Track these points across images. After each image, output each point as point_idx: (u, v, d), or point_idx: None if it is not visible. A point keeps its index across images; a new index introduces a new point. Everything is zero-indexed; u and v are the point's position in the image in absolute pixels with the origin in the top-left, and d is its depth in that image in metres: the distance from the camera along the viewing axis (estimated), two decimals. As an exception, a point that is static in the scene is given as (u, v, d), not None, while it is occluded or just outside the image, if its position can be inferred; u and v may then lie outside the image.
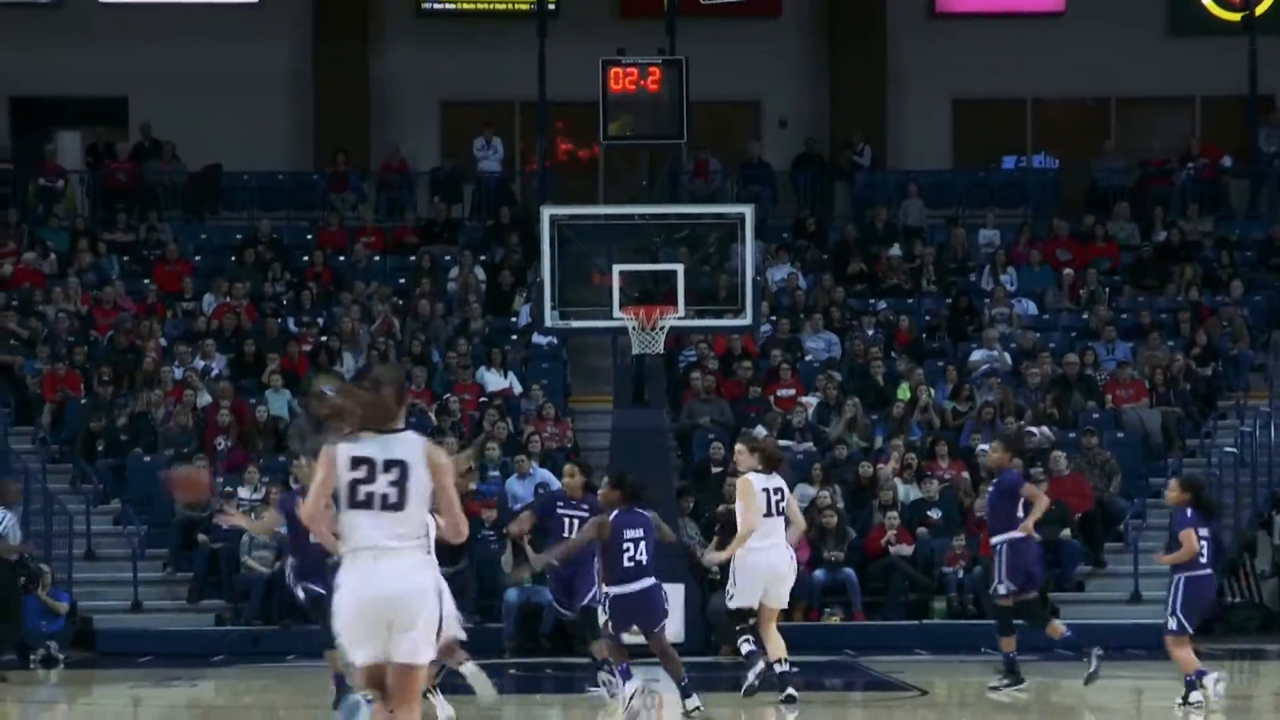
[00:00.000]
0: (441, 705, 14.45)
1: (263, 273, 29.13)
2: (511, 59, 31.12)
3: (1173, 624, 15.44)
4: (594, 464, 24.74)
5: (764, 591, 16.01)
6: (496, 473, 24.28)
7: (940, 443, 24.90)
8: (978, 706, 17.04)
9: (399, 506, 8.96)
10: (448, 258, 29.72)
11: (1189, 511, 15.56)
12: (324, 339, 27.46)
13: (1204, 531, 15.45)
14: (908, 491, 24.22)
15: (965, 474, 24.34)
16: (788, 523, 16.10)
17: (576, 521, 16.14)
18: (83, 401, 26.06)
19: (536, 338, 27.49)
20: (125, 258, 29.76)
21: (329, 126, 32.70)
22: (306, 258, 29.74)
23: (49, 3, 33.07)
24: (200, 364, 26.61)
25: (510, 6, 32.95)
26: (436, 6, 33.33)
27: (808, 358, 27.47)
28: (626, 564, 14.71)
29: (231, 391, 25.78)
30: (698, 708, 15.12)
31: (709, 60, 28.44)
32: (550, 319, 23.20)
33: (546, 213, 23.20)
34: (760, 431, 24.81)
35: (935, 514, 23.95)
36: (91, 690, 19.02)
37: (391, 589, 8.91)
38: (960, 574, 23.30)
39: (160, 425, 25.48)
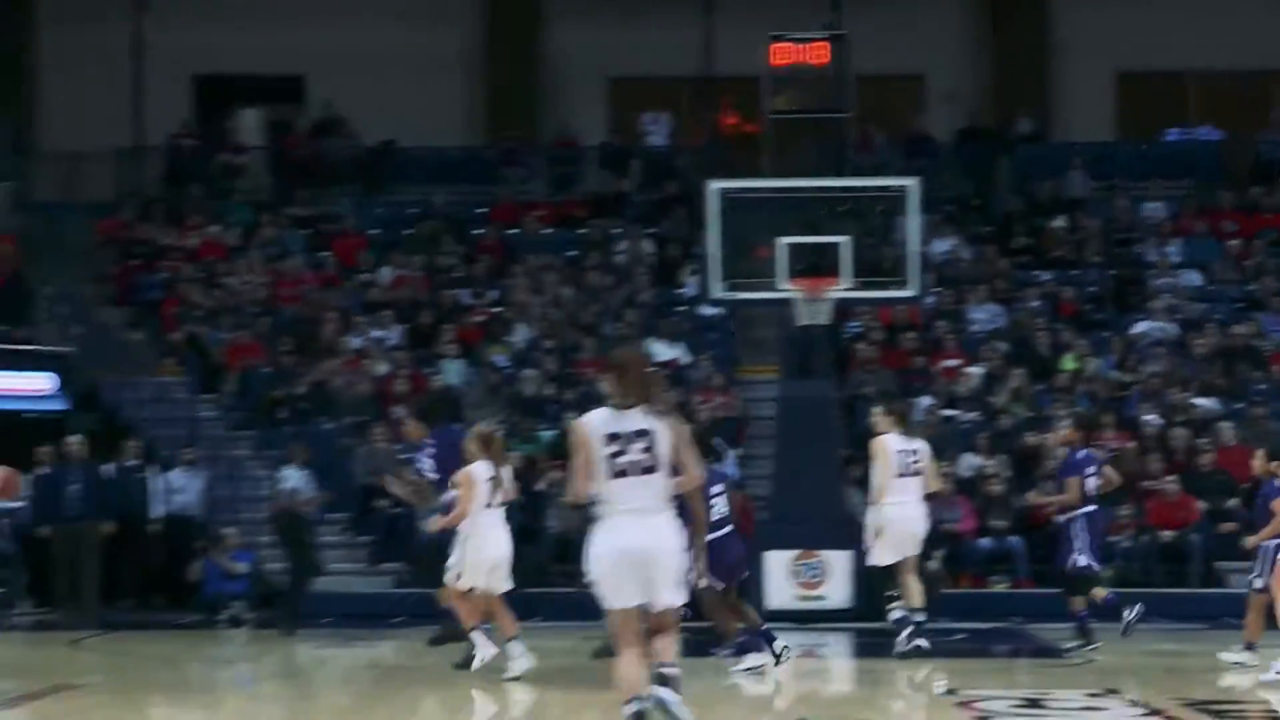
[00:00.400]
0: (482, 645, 15.20)
1: (437, 246, 29.35)
2: (679, 35, 31.14)
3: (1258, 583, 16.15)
4: (763, 433, 24.89)
5: (901, 547, 16.61)
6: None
7: (1106, 413, 24.63)
8: (1143, 672, 16.88)
9: (652, 470, 10.10)
10: (616, 231, 29.80)
11: (1276, 482, 15.88)
12: (497, 310, 27.64)
13: None
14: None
15: (1131, 444, 24.07)
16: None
17: None
18: (265, 371, 26.42)
19: (704, 309, 27.49)
20: (305, 231, 30.10)
21: (501, 103, 32.89)
22: (479, 231, 29.93)
23: (231, -16, 33.48)
24: (377, 334, 26.88)
25: (678, -17, 32.90)
26: (606, -16, 33.37)
27: (972, 329, 27.28)
28: (714, 517, 14.87)
29: (408, 361, 26.02)
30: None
31: (874, 35, 28.27)
32: (717, 291, 23.21)
33: (713, 186, 23.19)
34: (926, 401, 24.73)
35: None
36: (275, 650, 19.29)
37: (651, 545, 10.07)
38: (1127, 543, 23.06)
39: (339, 394, 25.78)
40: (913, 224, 22.84)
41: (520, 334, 27.21)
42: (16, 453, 19.66)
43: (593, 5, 33.31)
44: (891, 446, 16.64)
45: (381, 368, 26.14)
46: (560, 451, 23.99)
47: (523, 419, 24.73)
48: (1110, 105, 33.26)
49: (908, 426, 16.97)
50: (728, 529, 15.41)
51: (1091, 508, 17.70)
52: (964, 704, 13.61)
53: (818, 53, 25.99)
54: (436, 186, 31.00)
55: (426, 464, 16.08)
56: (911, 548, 16.86)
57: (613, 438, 10.14)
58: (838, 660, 18.25)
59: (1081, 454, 17.91)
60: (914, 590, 16.91)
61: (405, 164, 32.02)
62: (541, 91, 33.21)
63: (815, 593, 20.79)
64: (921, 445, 16.96)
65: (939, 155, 31.77)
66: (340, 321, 27.20)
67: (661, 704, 10.06)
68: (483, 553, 15.22)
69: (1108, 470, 18.07)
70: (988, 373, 25.73)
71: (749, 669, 15.49)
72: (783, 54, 25.90)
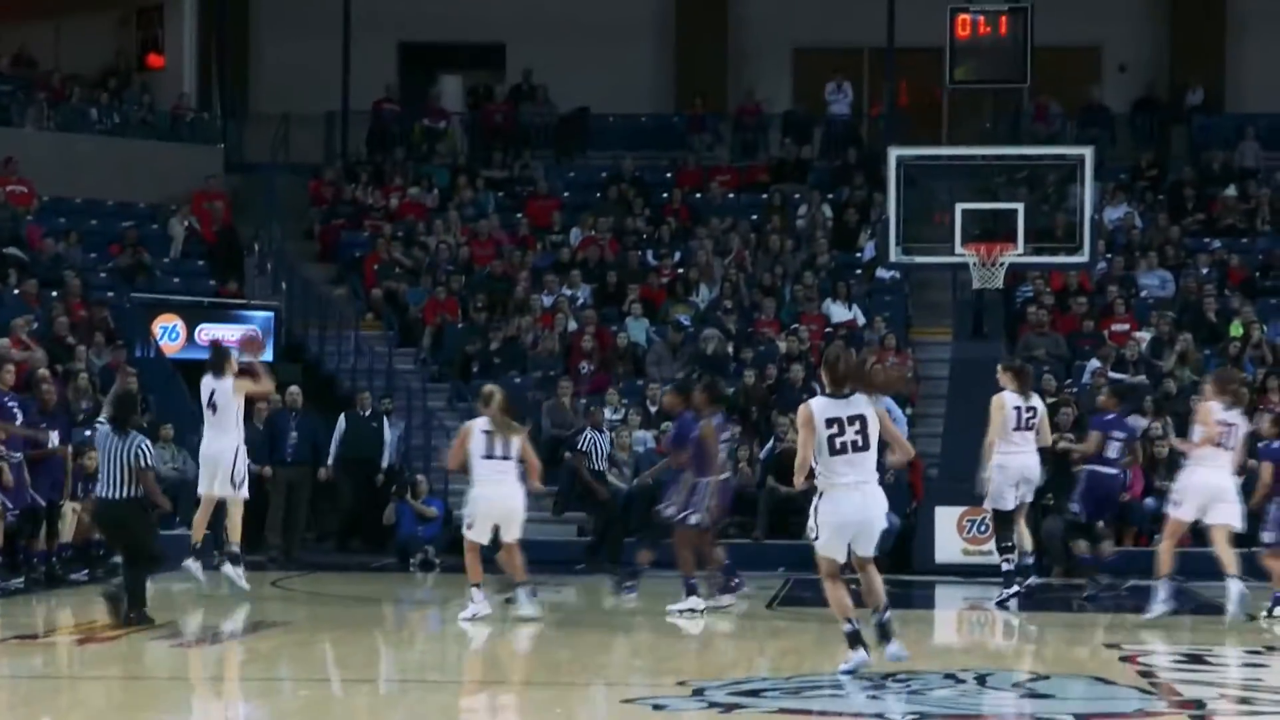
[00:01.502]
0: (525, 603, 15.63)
1: (625, 209, 29.36)
2: (862, 7, 30.80)
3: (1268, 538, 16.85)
4: (935, 393, 24.65)
5: (1017, 491, 17.30)
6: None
7: (1272, 378, 24.10)
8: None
9: (865, 449, 11.69)
10: (797, 196, 29.62)
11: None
12: (680, 271, 27.60)
13: None
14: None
15: (1295, 409, 23.55)
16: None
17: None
18: (460, 326, 26.59)
19: (880, 272, 27.27)
20: (500, 193, 30.24)
21: (688, 71, 32.81)
22: (666, 195, 29.90)
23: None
24: (567, 293, 26.95)
25: (862, -44, 32.60)
26: (792, -43, 33.15)
27: (1142, 294, 26.82)
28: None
29: (595, 319, 26.07)
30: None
31: (1052, 7, 27.85)
32: (894, 254, 23.06)
33: (893, 153, 23.01)
34: (1094, 364, 24.35)
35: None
36: (463, 592, 19.40)
37: (866, 513, 11.81)
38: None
39: (529, 349, 25.88)
40: (1086, 192, 22.50)
41: (703, 294, 27.14)
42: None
43: (779, -24, 33.10)
44: (1009, 402, 17.31)
45: (570, 325, 26.20)
46: (737, 408, 23.93)
47: (704, 375, 24.63)
48: (1285, 76, 32.48)
49: (1025, 384, 17.54)
50: (726, 474, 16.63)
51: (1102, 468, 18.10)
52: (1128, 659, 13.41)
53: (998, 24, 25.69)
54: (626, 152, 30.99)
55: None
56: (1026, 494, 17.46)
57: (831, 422, 11.63)
58: (1002, 613, 18.01)
59: (1110, 417, 18.22)
60: (1025, 536, 17.60)
61: (597, 130, 32.07)
62: (728, 61, 33.07)
63: (981, 548, 20.54)
64: (1038, 403, 17.58)
65: (1113, 125, 31.25)
66: (531, 280, 27.30)
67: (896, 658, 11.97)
68: (478, 504, 15.69)
69: (1135, 446, 18.84)
70: (1156, 338, 25.28)
71: (691, 610, 16.06)
72: (964, 25, 25.62)
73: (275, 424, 22.64)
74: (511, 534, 15.78)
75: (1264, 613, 16.47)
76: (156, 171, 29.45)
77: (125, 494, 14.64)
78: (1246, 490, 16.98)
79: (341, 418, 23.59)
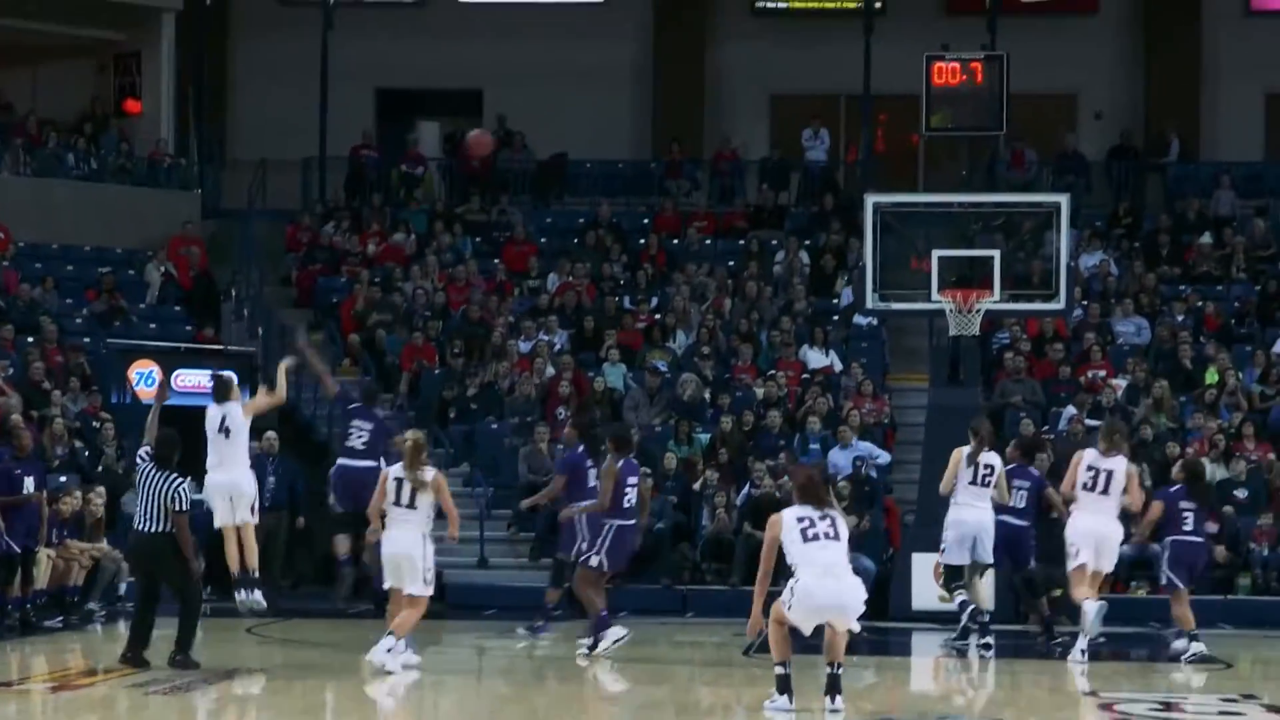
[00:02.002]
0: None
1: (603, 254, 29.38)
2: (839, 54, 31.00)
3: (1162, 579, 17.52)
4: (912, 439, 24.68)
5: (965, 548, 18.12)
6: (817, 445, 24.15)
7: (1248, 424, 24.19)
8: (1281, 682, 16.55)
9: (837, 539, 12.24)
10: (774, 242, 29.69)
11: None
12: (658, 317, 27.62)
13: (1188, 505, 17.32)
14: (1215, 471, 23.53)
15: (1272, 455, 23.62)
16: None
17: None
18: (436, 372, 26.55)
19: (857, 318, 27.30)
20: (478, 239, 30.24)
21: (666, 118, 32.92)
22: (643, 240, 29.93)
23: (413, 2, 33.77)
24: (545, 338, 26.93)
25: (839, 4, 32.83)
26: (769, 4, 33.39)
27: (1118, 341, 26.88)
28: (625, 505, 16.40)
29: (573, 364, 26.06)
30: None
31: (1028, 55, 28.00)
32: (871, 301, 23.07)
33: (870, 200, 23.07)
34: (1070, 410, 24.39)
35: (1242, 493, 23.29)
36: (441, 639, 19.35)
37: (841, 600, 12.20)
38: (1266, 551, 22.62)
39: (506, 395, 25.86)
40: (1062, 239, 22.56)
41: (680, 340, 27.16)
42: (203, 445, 19.82)
43: (756, 24, 33.26)
44: (963, 458, 18.17)
45: (548, 370, 26.19)
46: (712, 454, 23.95)
47: (681, 421, 24.67)
48: (1259, 126, 32.67)
49: (982, 444, 18.19)
50: (634, 520, 16.64)
51: (1010, 518, 18.42)
52: (1105, 706, 13.39)
53: (975, 72, 25.78)
54: (603, 197, 31.04)
55: None
56: (979, 551, 18.16)
57: (803, 519, 12.22)
58: (978, 661, 18.01)
59: (1012, 467, 18.63)
60: (980, 593, 18.41)
61: (575, 176, 32.13)
62: (705, 107, 33.18)
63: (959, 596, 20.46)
64: (996, 461, 18.24)
65: (1089, 173, 31.39)
66: (509, 326, 27.29)
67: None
68: (383, 549, 15.43)
69: (1049, 493, 18.82)
70: (1131, 384, 25.34)
71: (613, 643, 16.29)
72: (940, 73, 25.72)
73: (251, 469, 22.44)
74: (405, 584, 15.27)
75: (1183, 657, 16.93)
76: (133, 217, 29.44)
77: (159, 529, 14.74)
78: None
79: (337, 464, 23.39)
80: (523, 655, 17.79)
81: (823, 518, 12.25)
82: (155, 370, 25.73)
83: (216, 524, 16.86)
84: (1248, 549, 22.81)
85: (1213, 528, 22.63)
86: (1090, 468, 17.07)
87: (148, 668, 14.43)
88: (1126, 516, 17.77)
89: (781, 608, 12.20)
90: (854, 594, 12.17)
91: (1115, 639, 19.16)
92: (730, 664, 16.46)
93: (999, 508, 18.30)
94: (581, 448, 17.31)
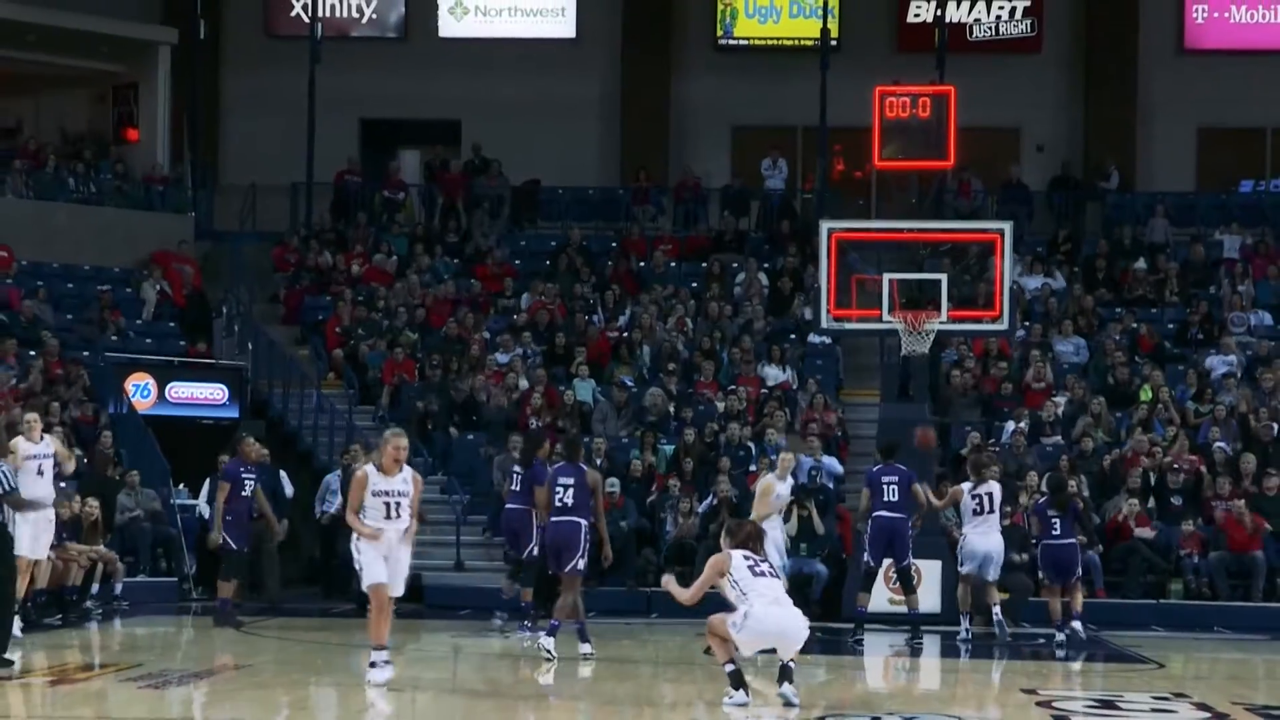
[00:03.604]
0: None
1: (573, 275, 29.42)
2: (796, 88, 31.11)
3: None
4: (864, 451, 24.75)
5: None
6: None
7: (1181, 438, 24.30)
8: (1211, 679, 16.62)
9: (777, 577, 12.63)
10: (735, 264, 29.76)
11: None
12: (625, 334, 27.66)
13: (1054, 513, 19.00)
14: (1152, 479, 23.63)
15: (1203, 468, 23.74)
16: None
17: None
18: (416, 385, 26.54)
19: (813, 337, 27.39)
20: (455, 260, 30.26)
21: (633, 147, 32.99)
22: (611, 263, 29.98)
23: (395, 37, 33.82)
24: (518, 354, 26.94)
25: (796, 41, 32.92)
26: (731, 41, 33.46)
27: (1059, 360, 26.99)
28: (557, 504, 16.36)
29: (545, 379, 26.08)
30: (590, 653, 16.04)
31: (975, 90, 28.15)
32: (826, 321, 23.11)
33: (825, 226, 23.12)
34: (1012, 425, 24.47)
35: (1177, 500, 23.38)
36: (419, 637, 19.36)
37: (785, 626, 12.35)
38: (1195, 558, 22.72)
39: (481, 407, 25.85)
40: (1006, 264, 22.65)
41: (645, 356, 27.20)
42: (195, 454, 19.88)
43: (719, 59, 33.37)
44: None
45: (521, 384, 26.20)
46: (674, 465, 23.98)
47: (646, 433, 24.70)
48: (1191, 158, 32.88)
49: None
50: (565, 517, 16.34)
51: (885, 513, 19.25)
52: (1043, 704, 13.44)
53: (923, 106, 25.88)
54: (574, 222, 31.11)
55: None
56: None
57: (748, 557, 12.44)
58: (925, 660, 18.07)
59: (876, 468, 19.56)
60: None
61: (547, 201, 32.17)
62: (670, 138, 33.27)
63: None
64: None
65: (1032, 202, 31.54)
66: (484, 342, 27.30)
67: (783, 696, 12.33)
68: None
69: (915, 488, 19.52)
70: (1070, 400, 25.45)
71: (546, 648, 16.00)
72: (892, 107, 25.82)
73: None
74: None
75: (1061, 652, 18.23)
76: (130, 238, 29.41)
77: None
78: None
79: (339, 471, 23.39)
80: (495, 654, 17.79)
81: (763, 560, 12.59)
82: (150, 382, 25.73)
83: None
84: (1178, 556, 22.91)
85: (1148, 534, 22.83)
86: (974, 496, 19.02)
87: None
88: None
89: (726, 628, 12.31)
90: (800, 622, 12.39)
91: (1053, 641, 19.25)
92: (692, 662, 16.48)
93: (884, 505, 19.24)
94: (539, 461, 18.23)
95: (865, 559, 19.62)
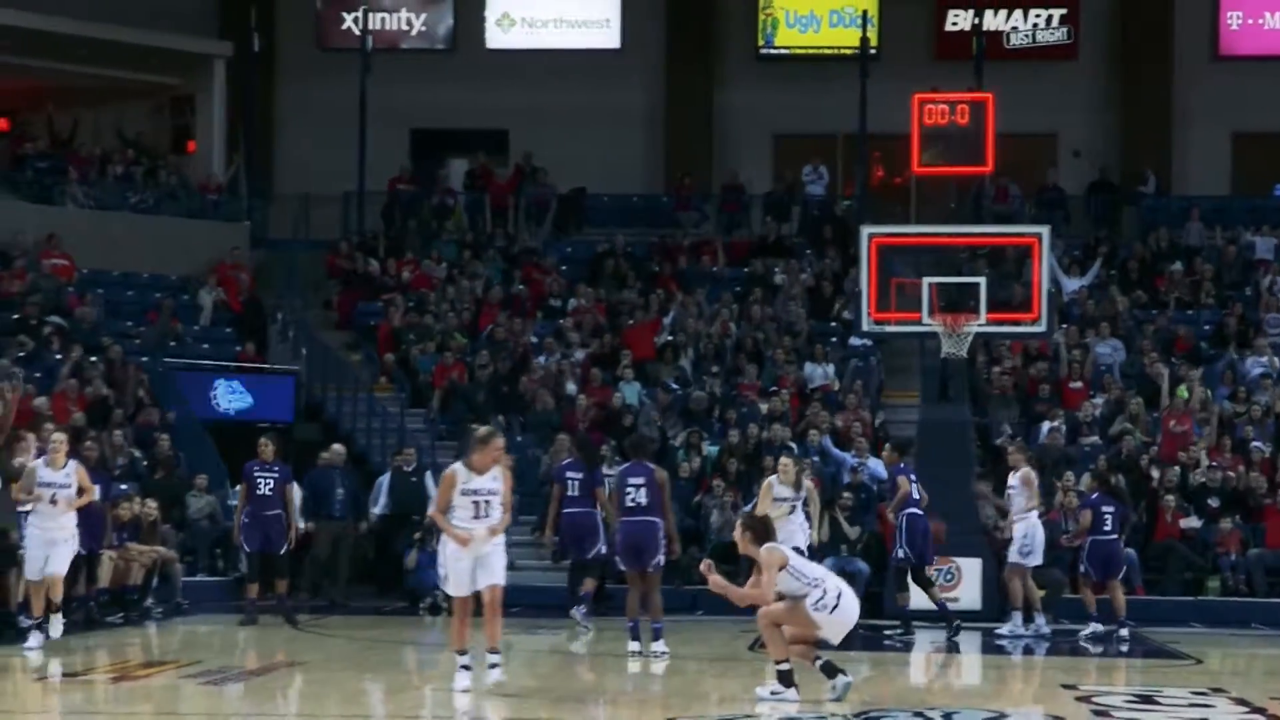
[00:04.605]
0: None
1: (619, 280, 29.44)
2: (836, 96, 31.07)
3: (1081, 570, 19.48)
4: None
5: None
6: (817, 459, 24.15)
7: (1223, 438, 24.16)
8: (1248, 674, 16.52)
9: None
10: (777, 269, 29.71)
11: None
12: (670, 338, 27.64)
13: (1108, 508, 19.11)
14: (1191, 478, 23.51)
15: (1242, 467, 23.60)
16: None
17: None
18: (465, 388, 26.57)
19: (853, 339, 27.33)
20: (504, 266, 30.30)
21: (677, 154, 33.02)
22: (656, 267, 29.98)
23: (444, 49, 33.89)
24: (565, 357, 26.97)
25: (836, 50, 32.86)
26: (772, 51, 33.45)
27: (1096, 362, 26.87)
28: (629, 504, 16.17)
29: (592, 381, 26.10)
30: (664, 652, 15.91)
31: (1012, 97, 28.06)
32: (866, 323, 23.08)
33: (865, 231, 23.10)
34: (1048, 425, 24.35)
35: (1215, 501, 23.25)
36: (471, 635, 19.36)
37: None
38: (1233, 556, 22.59)
39: (530, 409, 25.87)
40: (1043, 267, 22.58)
41: (690, 359, 27.19)
42: (249, 457, 19.93)
43: (760, 68, 33.36)
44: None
45: (570, 387, 26.22)
46: (719, 465, 23.95)
47: (692, 434, 24.69)
48: (1226, 163, 32.72)
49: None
50: (636, 517, 16.20)
51: (913, 510, 19.35)
52: (1083, 699, 13.38)
53: (961, 113, 25.84)
54: (619, 228, 31.12)
55: None
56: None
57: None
58: (966, 655, 18.01)
59: (901, 467, 19.70)
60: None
61: (593, 208, 32.20)
62: (714, 145, 33.27)
63: (948, 595, 20.54)
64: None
65: (1068, 206, 31.41)
66: (531, 345, 27.33)
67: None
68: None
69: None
70: (1108, 400, 25.34)
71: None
72: (930, 114, 25.78)
73: (319, 482, 22.51)
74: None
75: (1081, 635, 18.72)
76: (186, 246, 29.53)
77: None
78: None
79: (388, 474, 23.48)
80: (545, 650, 17.81)
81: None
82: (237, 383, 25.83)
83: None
84: (1216, 554, 22.78)
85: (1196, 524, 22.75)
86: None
87: None
88: None
89: (813, 613, 12.31)
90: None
91: (1095, 636, 19.17)
92: (737, 658, 16.46)
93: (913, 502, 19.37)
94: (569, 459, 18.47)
95: (901, 555, 19.56)
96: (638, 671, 15.35)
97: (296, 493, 20.19)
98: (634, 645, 16.09)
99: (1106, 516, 19.08)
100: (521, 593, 22.50)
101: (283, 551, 19.48)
